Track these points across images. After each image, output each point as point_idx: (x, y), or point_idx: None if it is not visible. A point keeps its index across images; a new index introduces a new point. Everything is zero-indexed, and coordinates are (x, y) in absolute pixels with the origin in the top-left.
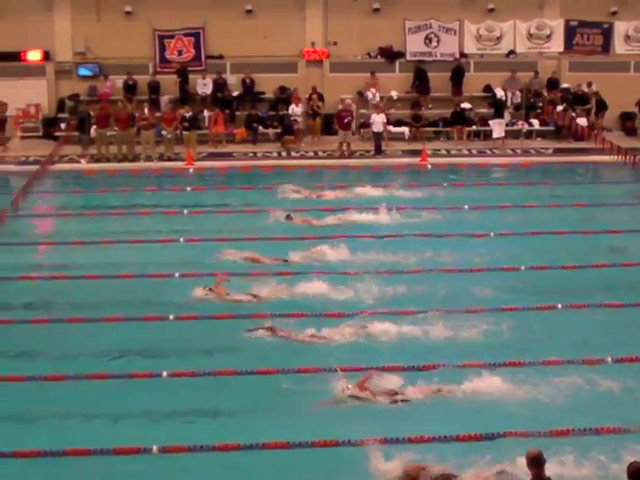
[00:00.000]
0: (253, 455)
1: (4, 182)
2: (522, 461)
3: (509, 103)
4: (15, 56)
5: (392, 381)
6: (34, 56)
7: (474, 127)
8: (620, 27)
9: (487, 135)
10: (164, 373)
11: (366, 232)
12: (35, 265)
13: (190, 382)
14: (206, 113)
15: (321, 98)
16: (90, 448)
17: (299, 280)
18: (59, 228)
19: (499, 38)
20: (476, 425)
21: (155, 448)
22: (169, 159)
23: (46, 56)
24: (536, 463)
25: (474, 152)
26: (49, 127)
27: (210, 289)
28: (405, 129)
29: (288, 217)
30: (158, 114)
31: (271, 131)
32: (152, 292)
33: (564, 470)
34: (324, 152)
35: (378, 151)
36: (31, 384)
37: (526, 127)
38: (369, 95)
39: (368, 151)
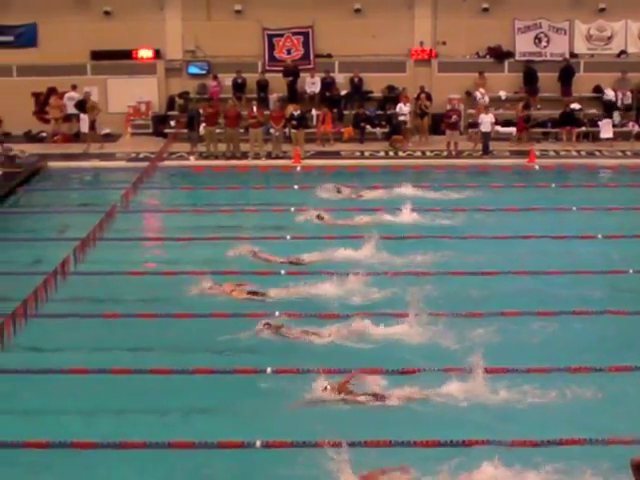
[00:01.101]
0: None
1: (115, 178)
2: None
3: (619, 104)
4: (127, 54)
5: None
6: (145, 54)
7: (583, 128)
8: None
9: (596, 136)
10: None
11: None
12: (143, 260)
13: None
14: (314, 112)
15: (429, 98)
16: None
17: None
18: (167, 224)
19: (610, 38)
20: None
21: (259, 443)
22: (277, 157)
23: (157, 54)
24: None
25: (583, 153)
26: (159, 124)
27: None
28: (513, 129)
29: (319, 217)
30: (266, 112)
31: (379, 130)
32: None
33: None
34: (431, 152)
35: (486, 151)
36: (144, 377)
37: (637, 128)
38: (477, 95)
39: (476, 151)
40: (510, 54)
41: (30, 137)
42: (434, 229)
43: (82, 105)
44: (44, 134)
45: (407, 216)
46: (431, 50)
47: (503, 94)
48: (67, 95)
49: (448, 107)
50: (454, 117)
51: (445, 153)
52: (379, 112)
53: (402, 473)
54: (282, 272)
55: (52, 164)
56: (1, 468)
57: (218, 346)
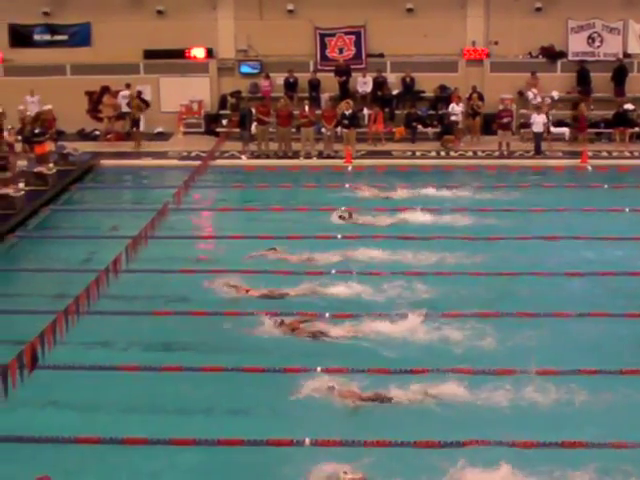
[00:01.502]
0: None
1: (167, 176)
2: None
3: None
4: (180, 53)
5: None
6: (198, 53)
7: (637, 129)
8: None
9: None
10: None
11: (444, 233)
12: (195, 258)
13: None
14: (366, 111)
15: (481, 98)
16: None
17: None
18: (218, 222)
19: None
20: None
21: (307, 441)
22: (328, 157)
23: (209, 53)
24: None
25: (636, 154)
26: (211, 123)
27: None
28: (566, 130)
29: (341, 217)
30: (318, 112)
31: (430, 130)
32: None
33: None
34: (483, 152)
35: (538, 152)
36: (195, 374)
37: None
38: (530, 95)
39: (528, 151)
40: (563, 54)
41: (83, 135)
42: (485, 229)
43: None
44: (97, 132)
45: (459, 217)
46: (483, 50)
47: (556, 94)
48: (121, 94)
49: (500, 107)
50: (506, 117)
51: (497, 153)
52: (431, 112)
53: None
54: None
55: (105, 162)
56: (53, 463)
57: (264, 344)
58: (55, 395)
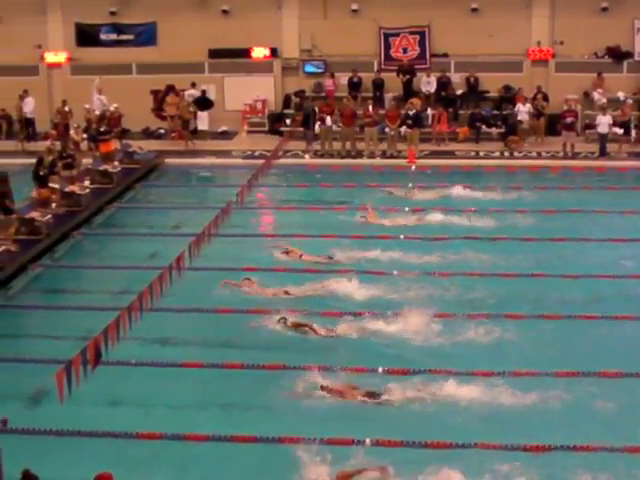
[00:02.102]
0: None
1: (230, 175)
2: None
3: None
4: (244, 53)
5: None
6: (262, 53)
7: None
8: None
9: None
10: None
11: (483, 234)
12: (257, 256)
13: None
14: (429, 111)
15: (546, 98)
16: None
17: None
18: (282, 221)
19: None
20: None
21: (368, 441)
22: (391, 156)
23: (274, 53)
24: None
25: None
26: (275, 122)
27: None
28: (633, 131)
29: (361, 216)
30: (382, 111)
31: (494, 130)
32: None
33: None
34: (547, 153)
35: (603, 153)
36: (254, 372)
37: None
38: (595, 96)
39: (592, 153)
40: (629, 54)
41: (148, 134)
42: (548, 231)
43: (200, 103)
44: (162, 131)
45: (521, 218)
46: (548, 50)
47: (621, 95)
48: (187, 93)
49: (565, 108)
50: (571, 118)
51: (561, 154)
52: (495, 112)
53: (381, 473)
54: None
55: (169, 161)
56: (115, 458)
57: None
58: (117, 391)
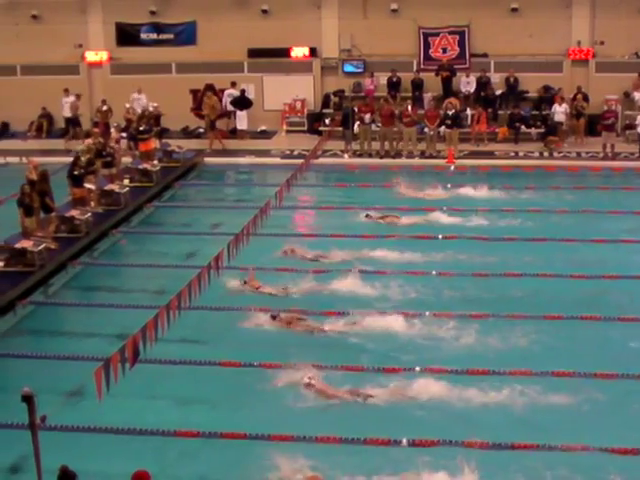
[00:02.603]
0: None
1: (269, 174)
2: None
3: None
4: (283, 52)
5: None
6: (302, 52)
7: None
8: None
9: None
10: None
11: (519, 234)
12: (295, 256)
13: None
14: (469, 111)
15: (586, 98)
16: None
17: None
18: (320, 220)
19: None
20: None
21: (405, 441)
22: (430, 156)
23: (313, 52)
24: None
25: None
26: (314, 122)
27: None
28: None
29: (367, 216)
30: (421, 111)
31: (534, 131)
32: None
33: None
34: (587, 153)
35: None
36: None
37: None
38: (636, 96)
39: (632, 153)
40: None
41: (187, 133)
42: (587, 231)
43: (239, 102)
44: (201, 130)
45: (560, 218)
46: (589, 50)
47: None
48: (226, 92)
49: (605, 108)
50: (611, 118)
51: (601, 155)
52: (534, 112)
53: None
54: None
55: (208, 160)
56: (152, 456)
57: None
58: (155, 389)
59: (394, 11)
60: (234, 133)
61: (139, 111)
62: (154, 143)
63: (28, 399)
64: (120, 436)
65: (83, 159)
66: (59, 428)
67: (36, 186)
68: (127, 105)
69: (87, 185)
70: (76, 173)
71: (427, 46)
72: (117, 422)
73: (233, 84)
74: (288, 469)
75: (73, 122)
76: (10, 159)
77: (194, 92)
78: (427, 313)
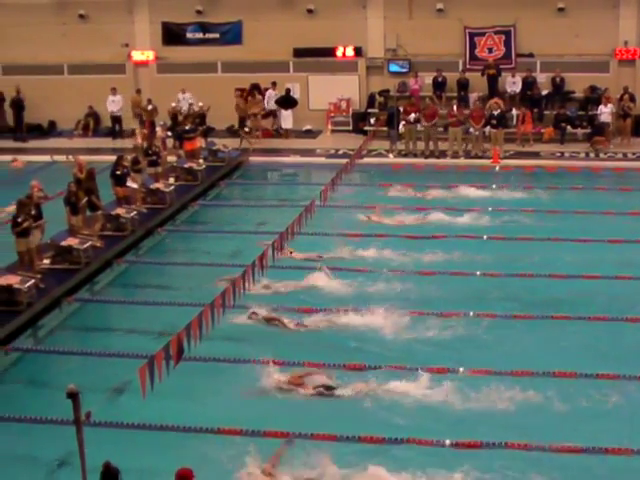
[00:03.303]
0: None
1: (314, 174)
2: None
3: None
4: (329, 52)
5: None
6: (347, 52)
7: None
8: None
9: None
10: None
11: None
12: (339, 255)
13: None
14: (514, 111)
15: (632, 99)
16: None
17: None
18: (364, 220)
19: None
20: None
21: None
22: (476, 156)
23: (358, 52)
24: None
25: None
26: (359, 121)
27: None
28: None
29: (368, 216)
30: (466, 111)
31: (580, 131)
32: None
33: None
34: (633, 154)
35: None
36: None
37: None
38: None
39: None
40: None
41: (232, 132)
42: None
43: (284, 101)
44: (246, 129)
45: (605, 219)
46: (636, 50)
47: None
48: (267, 92)
49: None
50: None
51: None
52: (580, 113)
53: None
54: None
55: (253, 159)
56: (195, 453)
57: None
58: (198, 387)
59: (440, 11)
60: (278, 133)
61: (185, 109)
62: (199, 142)
63: (73, 396)
64: (164, 433)
65: (129, 157)
66: (103, 424)
67: (83, 184)
68: (173, 104)
69: (130, 184)
70: (118, 173)
71: (473, 46)
72: (160, 419)
73: (274, 84)
74: None
75: (117, 121)
76: (57, 157)
77: (240, 91)
78: (471, 313)
